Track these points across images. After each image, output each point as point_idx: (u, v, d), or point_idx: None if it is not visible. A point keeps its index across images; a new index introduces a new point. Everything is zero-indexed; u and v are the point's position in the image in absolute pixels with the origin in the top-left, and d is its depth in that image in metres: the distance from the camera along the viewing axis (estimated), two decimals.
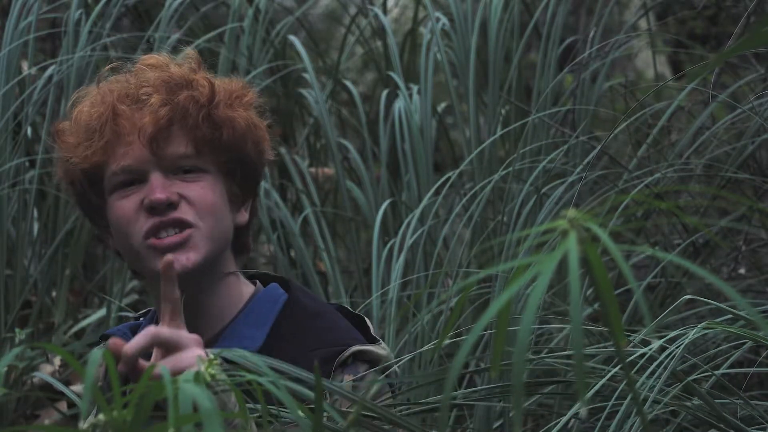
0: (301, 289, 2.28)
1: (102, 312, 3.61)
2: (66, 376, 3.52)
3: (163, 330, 1.84)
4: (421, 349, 2.71)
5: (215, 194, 2.17)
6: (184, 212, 2.13)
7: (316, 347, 2.12)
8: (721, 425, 1.94)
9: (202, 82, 2.19)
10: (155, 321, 2.20)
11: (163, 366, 1.78)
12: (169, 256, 1.91)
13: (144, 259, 2.14)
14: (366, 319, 2.22)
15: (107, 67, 2.26)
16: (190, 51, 2.27)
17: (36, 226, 3.75)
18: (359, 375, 2.10)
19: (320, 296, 2.28)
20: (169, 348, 1.84)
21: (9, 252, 3.61)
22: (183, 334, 1.86)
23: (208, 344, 2.09)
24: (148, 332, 1.82)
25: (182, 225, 2.12)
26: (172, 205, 2.13)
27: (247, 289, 2.23)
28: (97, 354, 1.21)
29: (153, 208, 2.12)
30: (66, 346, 3.58)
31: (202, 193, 2.15)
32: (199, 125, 2.16)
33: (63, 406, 3.45)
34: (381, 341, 2.18)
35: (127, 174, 2.16)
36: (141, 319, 2.30)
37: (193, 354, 1.83)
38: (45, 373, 3.48)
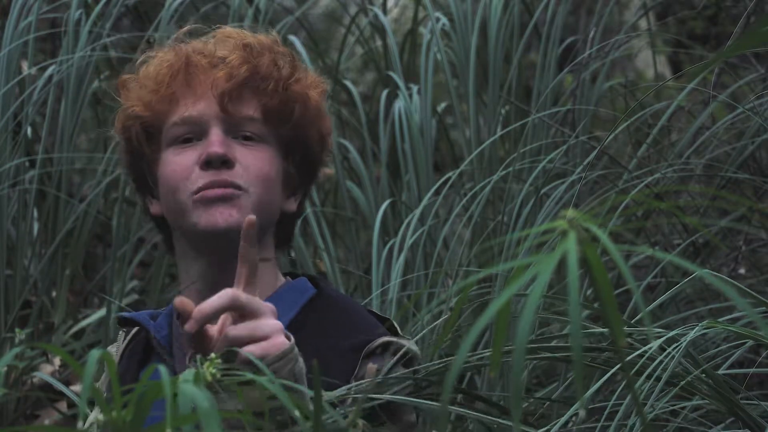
0: (331, 285, 2.24)
1: (102, 312, 3.61)
2: (66, 376, 3.52)
3: (242, 294, 1.76)
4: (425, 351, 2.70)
5: (271, 166, 2.11)
6: (237, 175, 2.07)
7: (343, 337, 2.06)
8: (732, 418, 1.94)
9: (285, 52, 2.15)
10: (176, 315, 2.12)
11: (242, 331, 1.74)
12: (251, 217, 1.83)
13: (187, 213, 2.07)
14: (394, 322, 2.15)
15: (184, 30, 2.19)
16: (272, 32, 2.21)
17: (36, 226, 3.75)
18: (386, 364, 2.02)
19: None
20: (245, 314, 1.76)
21: (9, 252, 3.60)
22: (260, 301, 1.77)
23: None
24: (227, 294, 1.74)
25: (232, 187, 2.06)
26: (227, 163, 2.07)
27: (278, 281, 2.16)
28: (96, 354, 1.20)
29: (209, 162, 2.06)
30: (66, 346, 3.57)
31: (258, 161, 2.09)
32: (275, 94, 2.11)
33: (63, 406, 3.45)
34: (411, 339, 2.11)
35: (188, 125, 2.10)
36: (161, 309, 2.19)
37: (272, 323, 1.75)
38: (45, 373, 3.47)
